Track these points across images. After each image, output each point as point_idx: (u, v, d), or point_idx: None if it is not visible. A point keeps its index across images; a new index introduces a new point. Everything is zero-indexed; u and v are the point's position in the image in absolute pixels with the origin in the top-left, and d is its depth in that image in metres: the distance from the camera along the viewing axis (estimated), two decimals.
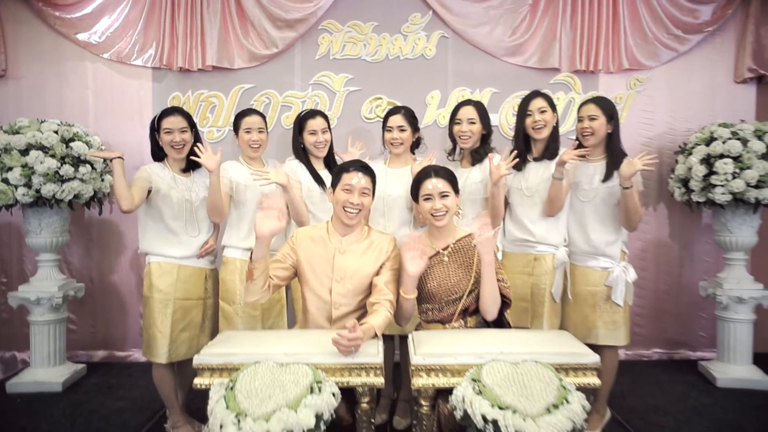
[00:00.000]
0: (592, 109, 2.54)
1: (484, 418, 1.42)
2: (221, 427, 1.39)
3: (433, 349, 1.80)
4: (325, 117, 2.74)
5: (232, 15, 3.62)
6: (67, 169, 3.01)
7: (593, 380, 1.76)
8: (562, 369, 1.70)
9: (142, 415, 2.89)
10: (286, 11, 3.61)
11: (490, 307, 2.11)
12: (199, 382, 1.75)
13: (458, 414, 1.52)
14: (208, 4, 3.59)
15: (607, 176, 2.53)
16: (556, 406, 1.43)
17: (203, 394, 2.84)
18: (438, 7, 3.67)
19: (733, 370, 3.32)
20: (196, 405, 2.79)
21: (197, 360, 1.76)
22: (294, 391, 1.47)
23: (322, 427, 1.46)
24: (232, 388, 1.51)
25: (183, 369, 2.62)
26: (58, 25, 3.64)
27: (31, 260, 3.72)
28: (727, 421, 2.82)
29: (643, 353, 3.86)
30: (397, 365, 2.96)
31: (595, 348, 2.48)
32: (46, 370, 3.26)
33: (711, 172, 3.15)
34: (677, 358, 3.83)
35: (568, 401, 1.46)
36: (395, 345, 2.98)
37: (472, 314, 2.19)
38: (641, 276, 3.77)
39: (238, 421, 1.38)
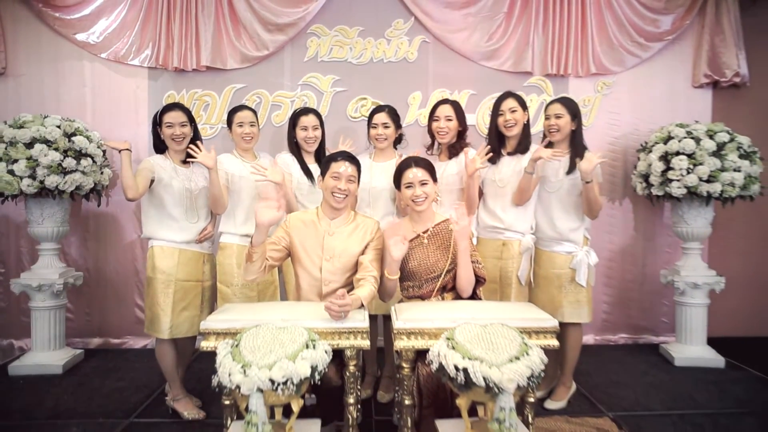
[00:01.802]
0: (558, 108, 2.81)
1: (456, 368, 1.65)
2: (230, 375, 1.61)
3: (412, 315, 2.04)
4: (318, 115, 2.97)
5: (225, 18, 3.83)
6: (69, 162, 3.18)
7: (552, 342, 2.01)
8: (526, 332, 1.94)
9: (141, 393, 3.07)
10: (276, 15, 3.83)
11: (466, 287, 2.36)
12: (205, 345, 1.96)
13: (434, 366, 1.75)
14: (203, 8, 3.79)
15: (571, 169, 2.79)
16: (517, 358, 1.66)
17: (198, 375, 3.08)
18: (419, 14, 3.92)
19: (689, 350, 3.61)
20: (192, 385, 2.99)
21: (204, 325, 1.98)
22: (292, 347, 1.69)
23: (317, 377, 1.68)
24: (237, 346, 1.72)
25: (181, 347, 2.82)
26: (58, 25, 3.81)
27: (29, 251, 3.87)
28: (680, 393, 3.10)
29: (609, 338, 4.15)
30: (381, 350, 3.17)
31: (561, 326, 2.76)
32: (46, 354, 3.42)
33: (668, 168, 3.45)
34: (641, 342, 4.12)
35: (528, 354, 1.70)
36: (379, 328, 3.20)
37: (450, 291, 2.43)
38: (609, 267, 4.08)
39: (244, 370, 1.60)
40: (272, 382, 1.58)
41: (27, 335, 3.72)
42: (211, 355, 1.84)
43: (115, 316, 3.99)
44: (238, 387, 1.58)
